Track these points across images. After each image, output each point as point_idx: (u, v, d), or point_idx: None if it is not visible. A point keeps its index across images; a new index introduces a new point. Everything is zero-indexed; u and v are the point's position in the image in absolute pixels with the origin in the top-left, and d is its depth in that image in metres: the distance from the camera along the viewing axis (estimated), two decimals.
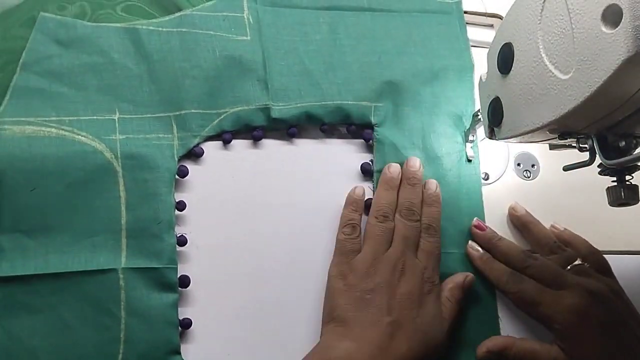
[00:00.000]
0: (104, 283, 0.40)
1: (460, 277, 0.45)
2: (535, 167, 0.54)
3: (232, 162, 0.47)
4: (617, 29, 0.29)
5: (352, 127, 0.49)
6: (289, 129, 0.48)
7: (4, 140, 0.40)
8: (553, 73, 0.35)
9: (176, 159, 0.44)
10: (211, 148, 0.47)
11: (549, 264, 0.45)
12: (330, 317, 0.41)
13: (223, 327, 0.43)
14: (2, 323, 0.39)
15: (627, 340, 0.43)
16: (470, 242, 0.48)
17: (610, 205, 0.39)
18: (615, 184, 0.38)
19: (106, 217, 0.41)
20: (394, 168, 0.47)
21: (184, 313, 0.42)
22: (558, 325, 0.43)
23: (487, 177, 0.52)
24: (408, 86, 0.50)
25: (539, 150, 0.54)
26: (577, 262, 0.47)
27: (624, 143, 0.35)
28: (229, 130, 0.46)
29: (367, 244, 0.44)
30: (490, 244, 0.47)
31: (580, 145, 0.38)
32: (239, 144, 0.47)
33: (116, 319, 0.40)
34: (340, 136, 0.50)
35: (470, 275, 0.46)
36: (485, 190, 0.51)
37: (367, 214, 0.46)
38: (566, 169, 0.41)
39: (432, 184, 0.47)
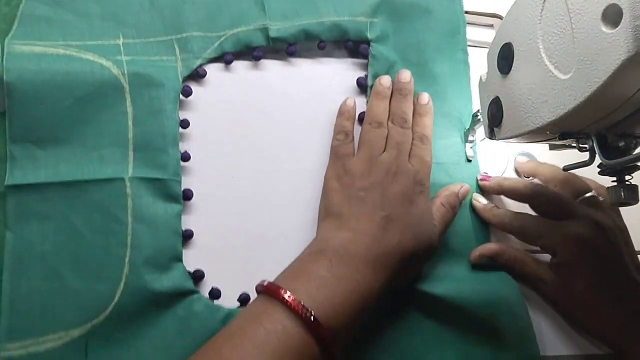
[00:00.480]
0: (111, 191, 0.42)
1: (456, 186, 0.47)
2: None
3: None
4: (617, 29, 0.29)
5: (349, 43, 0.51)
6: (287, 48, 0.49)
7: (14, 55, 0.41)
8: (553, 73, 0.35)
9: (180, 79, 0.46)
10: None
11: (557, 194, 0.46)
12: (327, 213, 0.43)
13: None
14: (14, 229, 0.40)
15: (620, 276, 0.43)
16: (474, 194, 0.49)
17: (610, 205, 0.39)
18: (615, 184, 0.38)
19: (114, 131, 0.43)
20: (385, 79, 0.49)
21: (186, 224, 0.45)
22: (558, 254, 0.44)
23: None
24: (404, 1, 0.51)
25: (539, 150, 0.54)
26: (590, 193, 0.47)
27: (623, 143, 0.35)
28: (230, 52, 0.48)
29: (362, 149, 0.45)
30: (498, 188, 0.49)
31: (580, 145, 0.38)
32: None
33: (123, 225, 0.41)
34: (339, 55, 0.52)
35: (467, 185, 0.48)
36: None
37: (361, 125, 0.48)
38: (566, 169, 0.41)
39: (425, 96, 0.49)
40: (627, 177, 0.38)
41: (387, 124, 0.47)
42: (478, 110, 0.48)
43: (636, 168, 0.37)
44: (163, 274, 0.41)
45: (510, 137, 0.41)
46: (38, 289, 0.39)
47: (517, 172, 0.52)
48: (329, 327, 0.35)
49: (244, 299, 0.44)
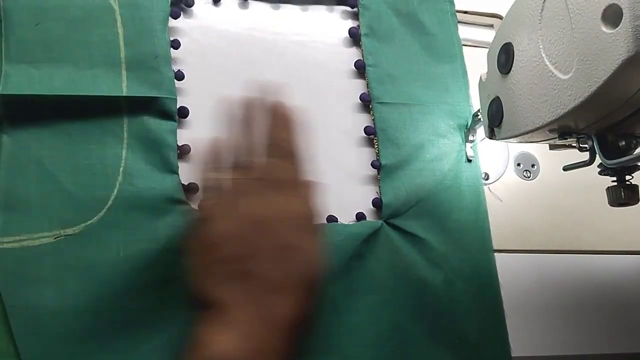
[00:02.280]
0: (106, 108, 0.43)
1: None
2: (535, 167, 0.54)
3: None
4: (617, 29, 0.29)
5: None
6: None
7: None
8: (553, 73, 0.35)
9: (168, 2, 0.47)
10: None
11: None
12: None
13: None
14: (11, 134, 0.41)
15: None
16: None
17: (610, 205, 0.39)
18: (615, 184, 0.38)
19: (106, 51, 0.44)
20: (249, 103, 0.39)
21: (182, 140, 0.46)
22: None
23: (487, 177, 0.52)
24: None
25: (539, 150, 0.54)
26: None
27: (624, 143, 0.35)
28: None
29: (226, 206, 0.36)
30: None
31: (580, 145, 0.38)
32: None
33: (119, 139, 0.43)
34: (327, 3, 0.54)
35: None
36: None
37: None
38: (566, 169, 0.41)
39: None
40: (627, 177, 0.38)
41: None
42: (478, 110, 0.48)
43: (636, 168, 0.37)
44: (156, 184, 0.43)
45: (510, 137, 0.41)
46: (34, 189, 0.41)
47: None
48: None
49: None
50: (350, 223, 0.47)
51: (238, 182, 0.36)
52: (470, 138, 0.51)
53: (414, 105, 0.50)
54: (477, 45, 0.56)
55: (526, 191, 0.53)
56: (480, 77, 0.47)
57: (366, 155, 0.50)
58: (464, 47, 0.55)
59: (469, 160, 0.51)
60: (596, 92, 0.31)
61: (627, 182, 0.38)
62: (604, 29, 0.30)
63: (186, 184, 0.44)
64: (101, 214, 0.41)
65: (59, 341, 0.38)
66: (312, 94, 0.50)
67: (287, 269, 0.34)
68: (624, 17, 0.29)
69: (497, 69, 0.42)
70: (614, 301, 0.51)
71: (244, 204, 0.35)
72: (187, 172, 0.45)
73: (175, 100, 0.45)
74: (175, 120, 0.45)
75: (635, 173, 0.38)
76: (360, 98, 0.51)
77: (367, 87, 0.51)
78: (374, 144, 0.50)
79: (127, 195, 0.42)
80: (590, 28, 0.31)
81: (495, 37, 0.44)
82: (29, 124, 0.42)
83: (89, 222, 0.41)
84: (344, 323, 0.43)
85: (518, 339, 0.46)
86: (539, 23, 0.37)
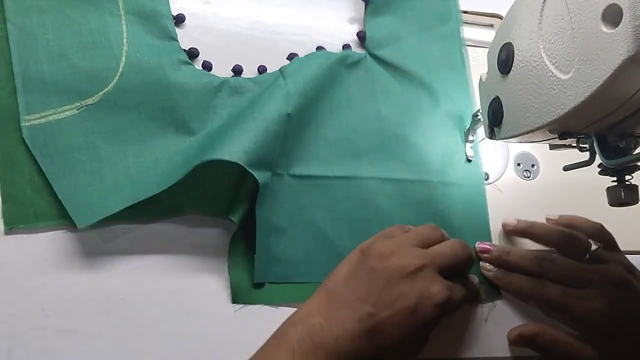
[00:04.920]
0: None
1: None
2: (535, 167, 0.54)
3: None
4: (617, 29, 0.29)
5: None
6: None
7: None
8: (553, 73, 0.35)
9: None
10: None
11: (567, 263, 0.45)
12: (325, 283, 0.40)
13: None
14: (14, 20, 0.44)
15: None
16: (481, 263, 0.48)
17: (610, 205, 0.39)
18: (615, 184, 0.38)
19: None
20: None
21: (177, 10, 0.49)
22: (590, 329, 0.42)
23: (487, 177, 0.52)
24: None
25: (539, 150, 0.54)
26: (592, 246, 0.46)
27: (624, 143, 0.35)
28: None
29: (410, 233, 0.42)
30: (501, 262, 0.47)
31: (580, 145, 0.38)
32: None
33: (117, 17, 0.46)
34: None
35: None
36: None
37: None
38: (566, 169, 0.41)
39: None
40: (627, 177, 0.38)
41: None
42: (478, 110, 0.48)
43: (636, 168, 0.37)
44: (160, 50, 0.46)
45: (510, 137, 0.41)
46: (47, 69, 0.44)
47: (505, 229, 0.50)
48: None
49: (237, 70, 0.49)
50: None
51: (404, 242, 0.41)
52: (470, 138, 0.51)
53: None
54: (477, 45, 0.56)
55: (526, 191, 0.53)
56: (480, 77, 0.47)
57: None
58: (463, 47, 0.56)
59: (469, 160, 0.51)
60: (596, 92, 0.31)
61: (627, 182, 0.38)
62: (604, 28, 0.30)
63: (186, 49, 0.48)
64: (114, 81, 0.45)
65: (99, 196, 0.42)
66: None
67: (393, 315, 0.37)
68: (624, 17, 0.29)
69: (497, 69, 0.42)
70: None
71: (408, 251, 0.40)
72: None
73: None
74: None
75: (635, 173, 0.38)
76: None
77: None
78: None
79: (135, 61, 0.45)
80: (590, 28, 0.31)
81: (495, 37, 0.44)
82: (31, 11, 0.45)
83: (105, 90, 0.44)
84: (323, 135, 0.48)
85: None
86: (539, 23, 0.37)
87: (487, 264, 0.47)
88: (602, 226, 0.48)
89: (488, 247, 0.47)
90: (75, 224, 0.41)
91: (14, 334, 0.39)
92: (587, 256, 0.45)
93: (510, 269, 0.46)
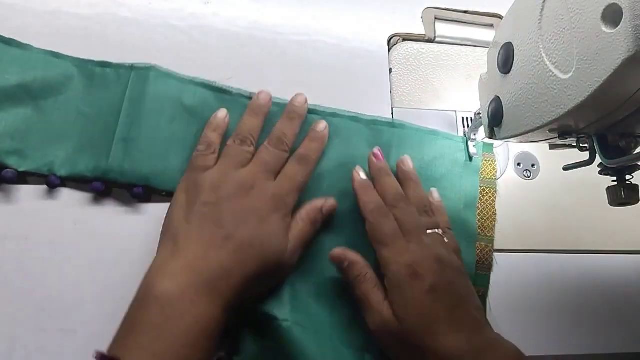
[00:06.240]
0: None
1: (320, 201, 0.44)
2: (535, 167, 0.54)
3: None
4: (617, 28, 0.29)
5: None
6: None
7: None
8: (553, 73, 0.35)
9: None
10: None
11: (415, 215, 0.43)
12: (165, 232, 0.40)
13: None
14: None
15: (451, 308, 0.39)
16: (357, 166, 0.46)
17: (610, 205, 0.39)
18: (615, 183, 0.38)
19: None
20: (264, 95, 0.46)
21: None
22: (390, 274, 0.40)
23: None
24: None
25: (539, 150, 0.54)
26: (437, 230, 0.44)
27: (624, 143, 0.35)
28: None
29: (219, 162, 0.42)
30: (377, 174, 0.46)
31: (580, 145, 0.38)
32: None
33: None
34: None
35: (332, 200, 0.45)
36: None
37: None
38: (566, 169, 0.41)
39: (321, 124, 0.46)
40: (627, 177, 0.38)
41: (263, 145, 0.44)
42: (478, 110, 0.48)
43: (636, 168, 0.37)
44: None
45: (510, 137, 0.41)
46: None
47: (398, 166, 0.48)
48: None
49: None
50: None
51: (233, 148, 0.43)
52: (472, 137, 0.51)
53: None
54: (477, 45, 0.56)
55: (526, 191, 0.53)
56: (481, 77, 0.47)
57: None
58: (463, 47, 0.56)
59: (470, 159, 0.51)
60: (596, 92, 0.31)
61: (627, 182, 0.38)
62: (604, 28, 0.30)
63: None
64: None
65: None
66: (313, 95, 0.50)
67: (248, 232, 0.39)
68: (624, 17, 0.29)
69: (497, 69, 0.42)
70: (614, 301, 0.51)
71: (228, 166, 0.42)
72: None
73: None
74: None
75: (635, 173, 0.38)
76: None
77: None
78: None
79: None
80: (590, 28, 0.31)
81: (495, 37, 0.44)
82: None
83: None
84: None
85: (517, 339, 0.46)
86: (539, 23, 0.37)
87: (362, 169, 0.46)
88: (453, 235, 0.46)
89: (380, 156, 0.47)
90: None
91: (14, 334, 0.39)
92: (428, 231, 0.43)
93: (377, 185, 0.45)
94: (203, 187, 0.40)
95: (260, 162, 0.42)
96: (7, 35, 0.45)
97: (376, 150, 0.47)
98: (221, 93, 0.48)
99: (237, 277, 0.38)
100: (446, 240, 0.44)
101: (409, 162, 0.48)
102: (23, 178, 0.44)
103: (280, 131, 0.44)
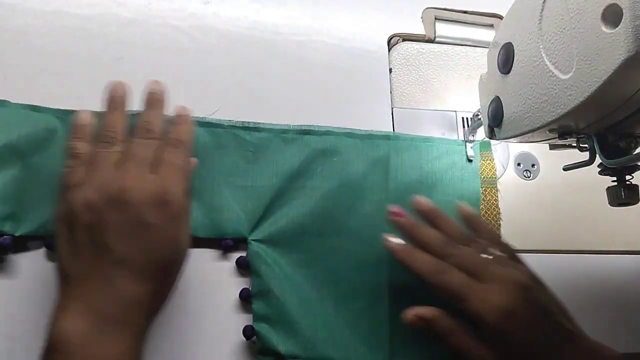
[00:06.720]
0: None
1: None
2: (535, 167, 0.54)
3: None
4: (617, 28, 0.29)
5: None
6: None
7: None
8: (553, 73, 0.35)
9: None
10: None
11: (472, 253, 0.43)
12: (58, 275, 0.36)
13: None
14: None
15: (552, 331, 0.40)
16: (384, 235, 0.44)
17: (610, 205, 0.39)
18: (615, 183, 0.38)
19: None
20: (118, 86, 0.41)
21: None
22: (486, 325, 0.40)
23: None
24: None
25: (539, 150, 0.54)
26: (491, 249, 0.44)
27: (624, 143, 0.35)
28: None
29: (88, 174, 0.37)
30: (409, 229, 0.44)
31: (580, 145, 0.38)
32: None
33: None
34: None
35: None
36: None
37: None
38: (566, 169, 0.41)
39: (183, 108, 0.42)
40: (627, 177, 0.38)
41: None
42: (478, 110, 0.48)
43: (636, 168, 0.37)
44: None
45: (510, 137, 0.41)
46: None
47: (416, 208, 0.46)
48: None
49: None
50: None
51: (101, 154, 0.38)
52: (471, 138, 0.51)
53: None
54: (477, 45, 0.56)
55: (526, 191, 0.53)
56: (481, 77, 0.47)
57: None
58: (463, 47, 0.56)
59: (470, 160, 0.51)
60: (596, 92, 0.31)
61: (627, 182, 0.38)
62: (604, 28, 0.30)
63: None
64: None
65: None
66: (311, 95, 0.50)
67: (138, 246, 0.35)
68: (624, 17, 0.29)
69: (497, 69, 0.42)
70: (614, 301, 0.51)
71: (100, 176, 0.36)
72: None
73: None
74: None
75: (635, 173, 0.38)
76: None
77: None
78: None
79: None
80: (590, 28, 0.31)
81: (495, 37, 0.44)
82: None
83: None
84: None
85: None
86: (539, 23, 0.37)
87: (394, 238, 0.44)
88: (504, 240, 0.47)
89: (402, 212, 0.45)
90: None
91: (14, 334, 0.39)
92: (491, 257, 0.43)
93: (417, 241, 0.44)
94: (77, 208, 0.35)
95: (131, 158, 0.37)
96: (7, 36, 0.45)
97: (393, 209, 0.45)
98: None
99: (146, 300, 0.35)
100: (499, 254, 0.43)
101: (424, 201, 0.46)
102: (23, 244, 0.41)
103: (144, 121, 0.40)
